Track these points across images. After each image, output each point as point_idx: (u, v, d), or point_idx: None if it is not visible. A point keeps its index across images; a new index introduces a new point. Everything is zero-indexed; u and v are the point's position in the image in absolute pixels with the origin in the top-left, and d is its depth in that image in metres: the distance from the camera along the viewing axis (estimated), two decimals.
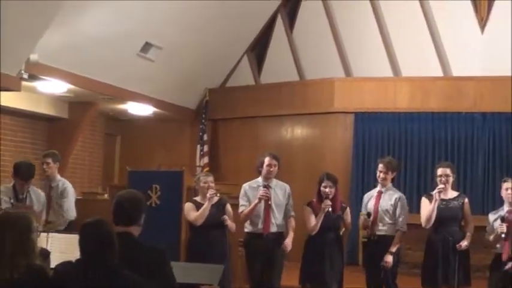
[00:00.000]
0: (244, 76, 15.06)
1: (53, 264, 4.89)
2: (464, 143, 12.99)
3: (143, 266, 4.37)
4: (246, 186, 8.62)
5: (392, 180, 8.68)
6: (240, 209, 8.43)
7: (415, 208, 10.40)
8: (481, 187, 12.66)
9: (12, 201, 8.67)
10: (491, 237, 8.15)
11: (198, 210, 8.37)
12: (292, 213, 8.62)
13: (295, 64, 14.55)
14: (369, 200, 8.61)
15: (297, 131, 14.38)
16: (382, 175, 8.58)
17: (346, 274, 8.59)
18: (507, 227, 7.98)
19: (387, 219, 8.46)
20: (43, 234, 6.59)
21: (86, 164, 14.61)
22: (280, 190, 8.59)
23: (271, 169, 8.49)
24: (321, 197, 8.31)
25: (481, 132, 12.92)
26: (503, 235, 7.95)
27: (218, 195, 8.51)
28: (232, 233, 8.64)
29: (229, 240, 8.50)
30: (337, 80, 13.86)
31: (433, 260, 8.27)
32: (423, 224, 8.33)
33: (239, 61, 15.12)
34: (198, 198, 8.55)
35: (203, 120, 14.86)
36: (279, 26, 14.74)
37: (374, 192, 8.66)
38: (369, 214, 8.41)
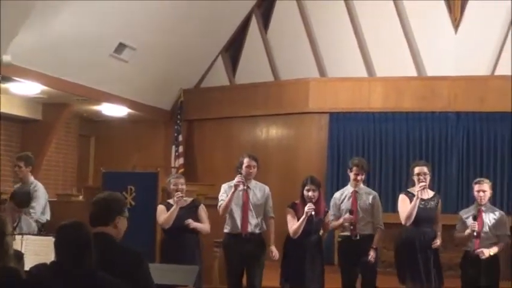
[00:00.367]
0: (219, 77, 15.06)
1: (27, 267, 4.87)
2: (439, 143, 13.07)
3: (120, 266, 4.38)
4: (225, 185, 8.63)
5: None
6: (219, 204, 8.42)
7: (390, 207, 10.49)
8: (455, 186, 12.75)
9: None
10: (463, 235, 8.24)
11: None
12: (272, 215, 8.63)
13: (269, 64, 14.58)
14: (343, 200, 8.64)
15: (272, 132, 14.40)
16: (359, 177, 8.65)
17: None
18: (477, 225, 8.11)
19: (367, 218, 8.54)
20: (18, 237, 6.56)
21: (60, 166, 14.54)
22: (259, 191, 8.60)
23: (251, 170, 8.50)
24: (304, 200, 8.32)
25: (455, 132, 13.01)
26: (475, 233, 8.05)
27: (185, 198, 8.45)
28: (208, 234, 8.62)
29: (203, 242, 8.48)
30: (312, 80, 13.90)
31: (411, 258, 8.33)
32: (404, 222, 8.38)
33: (214, 61, 15.12)
34: (171, 201, 8.52)
35: (178, 121, 14.84)
36: (254, 26, 14.76)
37: (346, 192, 8.69)
38: (351, 211, 8.44)
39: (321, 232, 8.62)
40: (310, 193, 8.26)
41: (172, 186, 8.45)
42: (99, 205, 4.69)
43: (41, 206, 9.42)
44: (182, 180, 8.58)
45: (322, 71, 14.16)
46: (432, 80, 13.29)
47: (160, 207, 8.46)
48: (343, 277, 8.63)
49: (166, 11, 12.60)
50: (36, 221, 9.17)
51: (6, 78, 10.98)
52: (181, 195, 8.30)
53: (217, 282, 9.46)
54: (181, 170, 14.26)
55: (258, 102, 14.22)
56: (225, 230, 8.52)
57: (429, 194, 8.47)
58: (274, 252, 8.43)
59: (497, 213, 8.38)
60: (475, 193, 8.35)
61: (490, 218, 8.30)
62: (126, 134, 15.45)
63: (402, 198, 8.53)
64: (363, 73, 13.83)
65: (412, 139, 13.20)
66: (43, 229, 9.09)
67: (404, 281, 8.47)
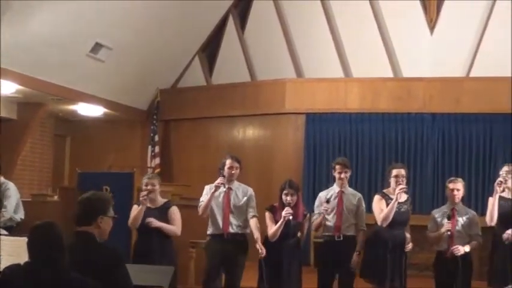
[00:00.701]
0: (196, 77, 15.04)
1: (0, 268, 4.85)
2: (414, 144, 13.13)
3: (99, 265, 4.40)
4: (208, 186, 8.60)
5: None
6: (199, 204, 8.41)
7: (366, 207, 10.51)
8: (430, 186, 12.81)
9: None
10: (435, 234, 8.31)
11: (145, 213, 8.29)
12: (254, 214, 8.59)
13: (246, 65, 14.57)
14: (329, 200, 8.63)
15: (248, 132, 14.39)
16: (343, 175, 8.65)
17: None
18: (451, 224, 8.18)
19: (351, 220, 8.55)
20: None
21: (36, 166, 14.44)
22: (241, 192, 8.58)
23: (233, 171, 8.49)
24: (283, 203, 8.32)
25: (430, 133, 13.07)
26: (448, 233, 8.11)
27: (147, 198, 8.39)
28: (184, 234, 8.59)
29: (175, 243, 8.44)
30: (289, 80, 13.92)
31: (382, 258, 8.37)
32: (380, 223, 8.40)
33: (190, 62, 15.09)
34: None
35: (154, 121, 14.79)
36: (231, 26, 14.75)
37: (332, 192, 8.69)
38: (327, 200, 8.44)
39: (299, 234, 8.65)
40: (288, 197, 8.25)
41: (143, 186, 8.40)
42: (82, 204, 4.74)
43: (12, 206, 9.37)
44: (155, 181, 8.50)
45: (298, 72, 14.18)
46: (408, 81, 13.34)
47: (134, 207, 8.39)
48: (320, 278, 8.63)
49: (143, 11, 12.57)
50: (11, 219, 9.17)
51: None
52: (145, 195, 8.24)
53: (193, 283, 9.44)
54: (158, 170, 14.19)
55: (234, 103, 14.21)
56: (208, 232, 8.51)
57: (403, 197, 8.51)
58: (262, 248, 8.39)
59: (470, 214, 8.48)
60: (449, 191, 8.41)
61: (463, 218, 8.37)
62: (102, 134, 15.37)
63: (378, 199, 8.55)
64: (339, 74, 13.86)
65: (388, 140, 13.25)
66: (18, 228, 9.05)
67: (369, 278, 8.52)
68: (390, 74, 13.62)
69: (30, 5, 10.57)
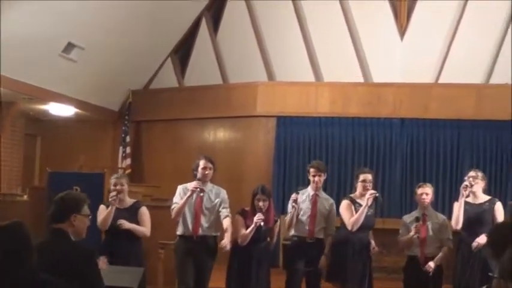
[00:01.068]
0: (168, 78, 14.99)
1: None
2: (383, 148, 13.18)
3: (70, 263, 4.39)
4: (181, 187, 8.56)
5: None
6: (172, 206, 8.36)
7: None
8: (398, 191, 12.87)
9: None
10: (406, 238, 8.36)
11: (114, 214, 8.22)
12: (227, 214, 8.56)
13: (219, 67, 14.55)
14: (304, 200, 8.65)
15: (219, 134, 14.37)
16: (317, 178, 8.67)
17: None
18: (421, 229, 8.24)
19: (323, 223, 8.60)
20: None
21: (6, 165, 14.28)
22: (214, 195, 8.55)
23: (206, 172, 8.46)
24: (254, 208, 8.31)
25: (399, 138, 13.13)
26: (417, 235, 8.18)
27: (120, 198, 8.34)
28: (153, 235, 8.55)
29: (144, 244, 8.39)
30: (260, 84, 13.92)
31: (348, 261, 8.42)
32: (350, 227, 8.44)
33: (163, 63, 15.04)
34: None
35: (126, 122, 14.71)
36: (203, 29, 14.73)
37: (306, 194, 8.71)
38: (295, 200, 8.49)
39: (269, 239, 8.66)
40: (260, 203, 8.25)
41: (112, 187, 8.34)
42: (57, 203, 4.77)
43: None
44: (124, 181, 8.44)
45: (270, 75, 14.19)
46: (378, 87, 13.40)
47: (101, 208, 8.26)
48: (289, 279, 8.65)
49: (116, 12, 12.51)
50: None
51: None
52: (115, 195, 8.19)
53: (162, 284, 9.40)
54: (128, 171, 14.17)
55: (206, 105, 14.18)
56: (178, 233, 8.47)
57: (369, 202, 8.56)
58: (226, 244, 8.34)
59: (440, 218, 8.56)
60: (418, 196, 8.50)
61: (433, 222, 8.45)
62: (73, 134, 15.26)
63: (347, 204, 8.60)
64: (310, 78, 13.89)
65: (357, 144, 13.29)
66: None
67: (333, 279, 8.57)
68: (361, 79, 13.67)
69: (2, 5, 10.46)
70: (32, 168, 15.51)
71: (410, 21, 13.54)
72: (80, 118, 14.75)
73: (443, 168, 12.88)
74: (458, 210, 8.46)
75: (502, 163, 12.67)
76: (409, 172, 12.98)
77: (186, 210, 8.34)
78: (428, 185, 8.66)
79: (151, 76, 15.14)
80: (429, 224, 8.43)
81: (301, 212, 8.60)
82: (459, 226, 8.47)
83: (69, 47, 12.57)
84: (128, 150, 14.60)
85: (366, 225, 8.52)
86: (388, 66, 13.42)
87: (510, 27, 13.09)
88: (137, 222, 8.23)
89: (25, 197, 12.05)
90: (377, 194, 8.46)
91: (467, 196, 8.50)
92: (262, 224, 8.16)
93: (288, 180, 13.19)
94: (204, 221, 8.41)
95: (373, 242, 8.64)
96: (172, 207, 8.34)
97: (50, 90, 13.03)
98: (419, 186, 8.60)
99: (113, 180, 8.34)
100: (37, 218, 10.38)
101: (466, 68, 13.00)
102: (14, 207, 10.91)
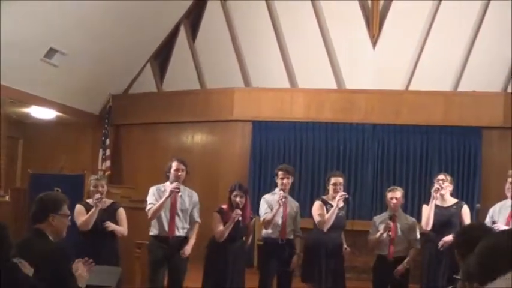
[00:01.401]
0: (147, 83, 14.93)
1: None
2: (355, 152, 13.20)
3: (44, 261, 4.37)
4: (153, 188, 8.54)
5: None
6: (148, 207, 8.32)
7: (307, 213, 10.55)
8: (369, 194, 12.90)
9: None
10: (374, 237, 8.42)
11: (87, 214, 8.16)
12: (197, 220, 8.58)
13: (197, 73, 14.53)
14: (274, 203, 8.67)
15: (197, 138, 14.34)
16: (285, 181, 8.69)
17: None
18: (391, 229, 8.31)
19: (291, 226, 8.63)
20: None
21: None
22: (187, 197, 8.55)
23: (179, 173, 8.44)
24: (232, 205, 8.30)
25: (370, 142, 13.16)
26: (388, 234, 8.23)
27: (104, 199, 8.32)
28: (130, 235, 8.51)
29: (120, 244, 8.36)
30: (237, 90, 13.91)
31: (320, 260, 8.45)
32: (320, 227, 8.49)
33: (142, 69, 14.99)
34: (89, 201, 8.34)
35: (106, 125, 14.64)
36: (182, 35, 14.70)
37: (275, 196, 8.71)
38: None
39: (245, 238, 8.65)
40: (238, 199, 8.26)
41: (92, 188, 8.29)
42: (36, 204, 4.84)
43: None
44: (103, 182, 8.42)
45: (246, 81, 14.19)
46: (351, 93, 13.43)
47: (79, 208, 8.18)
48: (262, 278, 8.65)
49: (97, 18, 12.46)
50: None
51: None
52: (100, 197, 8.15)
53: (139, 283, 9.36)
54: (108, 173, 14.12)
55: (184, 109, 14.15)
56: (151, 233, 8.43)
57: (340, 203, 8.60)
58: (187, 250, 8.38)
59: (409, 220, 8.65)
60: (388, 200, 8.56)
61: (402, 223, 8.51)
62: (55, 136, 15.16)
63: (319, 205, 8.64)
64: (285, 84, 13.90)
65: (330, 148, 13.30)
66: None
67: (307, 280, 8.60)
68: (334, 86, 13.71)
69: None
70: (13, 169, 15.37)
71: (382, 31, 13.60)
72: (61, 121, 14.65)
73: (412, 172, 12.93)
74: (429, 212, 8.53)
75: (469, 167, 12.74)
76: (379, 175, 13.02)
77: (161, 211, 8.32)
78: (399, 189, 8.74)
79: (131, 81, 15.08)
80: (398, 225, 8.51)
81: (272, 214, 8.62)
82: (429, 227, 8.53)
83: (51, 52, 12.50)
84: (108, 152, 14.53)
85: (338, 226, 8.57)
86: (360, 74, 13.47)
87: (477, 36, 13.17)
88: (115, 222, 8.21)
89: (7, 198, 11.95)
90: (347, 196, 8.51)
91: (437, 199, 8.57)
92: (240, 219, 8.16)
93: (263, 182, 13.16)
94: (179, 222, 8.39)
95: (345, 243, 8.70)
96: (149, 207, 8.31)
97: (32, 94, 12.94)
98: (390, 190, 8.68)
99: (93, 182, 8.31)
100: (19, 218, 10.32)
101: (435, 76, 13.09)
102: None
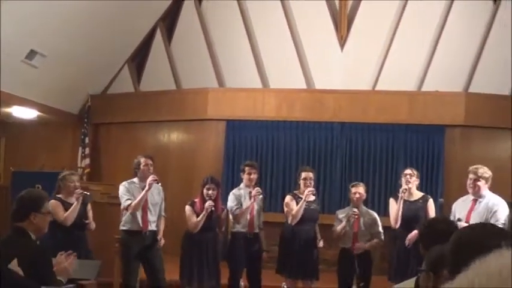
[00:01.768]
0: (125, 84, 14.89)
1: None
2: (325, 150, 13.25)
3: (25, 259, 4.34)
4: (125, 183, 8.53)
5: None
6: (128, 202, 8.30)
7: (279, 207, 10.59)
8: (338, 189, 12.96)
9: None
10: (339, 228, 8.51)
11: (64, 209, 8.09)
12: (164, 214, 8.61)
13: (172, 74, 14.51)
14: (244, 198, 8.70)
15: (173, 136, 14.34)
16: (252, 176, 8.75)
17: None
18: (355, 223, 8.40)
19: (258, 220, 8.68)
20: None
21: None
22: (155, 190, 8.56)
23: (149, 168, 8.46)
24: (204, 198, 8.34)
25: (339, 140, 13.22)
26: (356, 216, 8.34)
27: (87, 193, 8.32)
28: (109, 230, 8.51)
29: (100, 239, 8.37)
30: (211, 90, 13.91)
31: (293, 252, 8.49)
32: (290, 221, 8.54)
33: (120, 70, 14.95)
34: (62, 196, 8.26)
35: (85, 124, 14.58)
36: (158, 38, 14.68)
37: (242, 191, 8.75)
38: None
39: (217, 230, 8.68)
40: (210, 191, 8.32)
41: (68, 183, 8.22)
42: (17, 202, 4.76)
43: None
44: (77, 177, 8.43)
45: (220, 82, 14.20)
46: (320, 93, 13.48)
47: (56, 203, 8.08)
48: (231, 271, 8.68)
49: (77, 22, 12.41)
50: None
51: None
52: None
53: (118, 276, 9.32)
54: (87, 170, 14.11)
55: (161, 109, 14.13)
56: (123, 228, 8.42)
57: (311, 197, 8.65)
58: (162, 240, 8.46)
59: (371, 214, 8.74)
60: (352, 194, 8.63)
61: (365, 218, 8.59)
62: (36, 135, 15.08)
63: (289, 199, 8.69)
64: (258, 85, 13.93)
65: (301, 146, 13.35)
66: None
67: (281, 271, 8.65)
68: (304, 86, 13.76)
69: None
70: None
71: (349, 34, 13.67)
72: (42, 121, 14.57)
73: (379, 168, 13.02)
74: (397, 211, 8.58)
75: (432, 164, 12.84)
76: (347, 171, 13.08)
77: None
78: (361, 184, 8.85)
79: (109, 82, 15.03)
80: (361, 220, 8.58)
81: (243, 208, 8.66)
82: (398, 225, 8.60)
83: (32, 54, 12.41)
84: (87, 150, 14.48)
85: (310, 219, 8.62)
86: (329, 75, 13.53)
87: (440, 38, 13.27)
88: (85, 217, 8.24)
89: None
90: (314, 192, 8.58)
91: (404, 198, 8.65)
92: (213, 209, 8.20)
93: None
94: (150, 217, 8.42)
95: (319, 237, 8.72)
96: (128, 203, 8.29)
97: (14, 94, 12.84)
98: (353, 186, 8.78)
99: (68, 177, 8.23)
100: (1, 216, 10.23)
101: (400, 76, 13.19)
102: None
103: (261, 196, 8.86)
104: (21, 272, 4.16)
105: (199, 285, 8.38)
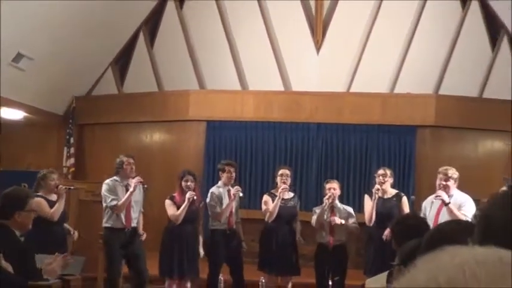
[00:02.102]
0: (109, 86, 14.85)
1: None
2: (301, 150, 13.28)
3: (10, 256, 4.30)
4: (108, 181, 8.50)
5: None
6: (113, 202, 8.27)
7: (258, 206, 10.59)
8: (314, 187, 12.99)
9: None
10: (315, 218, 8.57)
11: (48, 205, 8.07)
12: (142, 210, 8.61)
13: (155, 76, 14.49)
14: (224, 195, 8.71)
15: (156, 136, 14.32)
16: (233, 174, 8.77)
17: None
18: (331, 218, 8.44)
19: (235, 216, 8.68)
20: None
21: None
22: (138, 189, 8.54)
23: (131, 167, 8.46)
24: (182, 190, 8.34)
25: (315, 140, 13.26)
26: (334, 201, 8.38)
27: (71, 187, 8.33)
28: (95, 227, 8.49)
29: (86, 235, 8.36)
30: (192, 92, 13.90)
31: (272, 249, 8.50)
32: (267, 218, 8.56)
33: (104, 72, 14.89)
34: (42, 194, 8.20)
35: (70, 125, 14.52)
36: (141, 41, 14.65)
37: (221, 189, 8.76)
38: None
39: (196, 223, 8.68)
40: (188, 183, 8.36)
41: (49, 181, 8.19)
42: (1, 201, 4.64)
43: None
44: (57, 175, 8.43)
45: (201, 84, 14.20)
46: (297, 95, 13.52)
47: (42, 200, 8.04)
48: (211, 266, 8.67)
49: (63, 25, 12.38)
50: None
51: None
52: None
53: (102, 271, 9.29)
54: (72, 169, 14.07)
55: (143, 110, 14.10)
56: (106, 225, 8.39)
57: (290, 194, 8.67)
58: (144, 235, 8.49)
59: (346, 209, 8.77)
60: (326, 191, 8.65)
61: (341, 213, 8.62)
62: (22, 135, 14.97)
63: (266, 199, 8.72)
64: (237, 87, 13.95)
65: (278, 146, 13.38)
66: None
67: (262, 267, 8.66)
68: (281, 88, 13.79)
69: None
70: None
71: (325, 38, 13.71)
72: (28, 121, 14.47)
73: (353, 167, 13.07)
74: (371, 210, 8.62)
75: (404, 163, 12.92)
76: (323, 171, 13.12)
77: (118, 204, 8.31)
78: (335, 181, 8.89)
79: (94, 84, 14.98)
80: (337, 215, 8.61)
81: (223, 206, 8.66)
82: (372, 224, 8.64)
83: (18, 56, 12.33)
84: (72, 150, 14.41)
85: (287, 215, 8.62)
86: (305, 77, 13.57)
87: (412, 41, 13.35)
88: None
89: None
90: (287, 188, 8.61)
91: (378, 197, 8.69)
92: (195, 198, 8.21)
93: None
94: (133, 214, 8.41)
95: (298, 233, 8.74)
96: (114, 202, 8.27)
97: (1, 96, 12.73)
98: (327, 182, 8.83)
99: (48, 175, 8.24)
100: None
101: (374, 78, 13.26)
102: None
103: (241, 195, 8.87)
104: (10, 268, 4.12)
105: (180, 279, 8.37)
